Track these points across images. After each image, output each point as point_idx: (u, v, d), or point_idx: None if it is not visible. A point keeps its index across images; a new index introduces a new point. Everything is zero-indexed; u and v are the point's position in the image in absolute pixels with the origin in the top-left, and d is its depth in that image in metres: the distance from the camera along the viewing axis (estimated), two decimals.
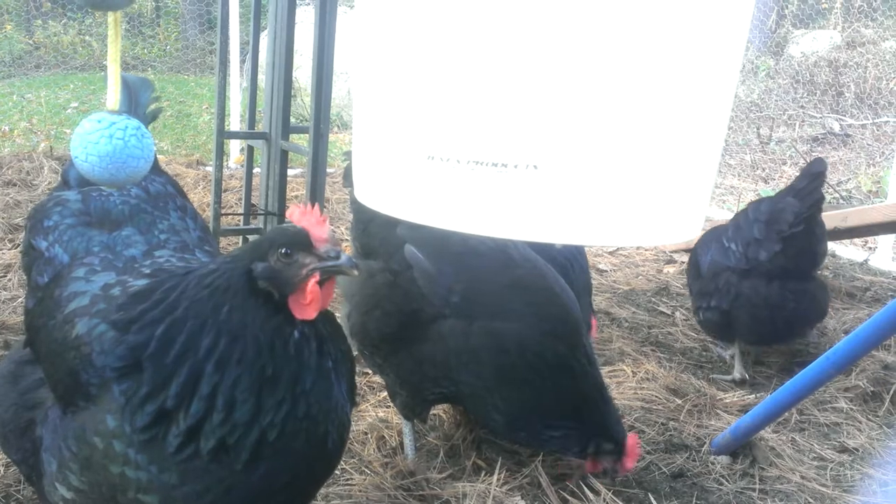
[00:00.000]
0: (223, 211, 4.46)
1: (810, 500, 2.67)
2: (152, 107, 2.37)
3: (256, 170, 4.91)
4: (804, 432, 3.14)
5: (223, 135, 4.33)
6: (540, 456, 2.70)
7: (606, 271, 5.12)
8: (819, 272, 3.95)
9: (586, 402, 2.47)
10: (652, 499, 2.59)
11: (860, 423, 3.21)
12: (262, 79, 4.54)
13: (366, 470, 2.61)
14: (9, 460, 2.29)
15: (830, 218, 4.39)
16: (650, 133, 1.04)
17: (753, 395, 3.38)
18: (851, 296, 4.79)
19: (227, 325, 1.56)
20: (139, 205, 2.03)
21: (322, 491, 2.43)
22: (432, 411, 2.81)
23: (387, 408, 2.98)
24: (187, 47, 14.77)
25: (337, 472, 2.56)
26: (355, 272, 1.62)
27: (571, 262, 3.15)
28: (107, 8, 1.57)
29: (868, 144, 9.36)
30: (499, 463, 2.63)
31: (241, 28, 7.79)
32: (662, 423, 3.08)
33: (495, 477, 2.55)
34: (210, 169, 5.86)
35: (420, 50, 1.06)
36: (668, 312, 4.45)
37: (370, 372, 3.13)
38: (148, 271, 1.77)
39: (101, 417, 1.56)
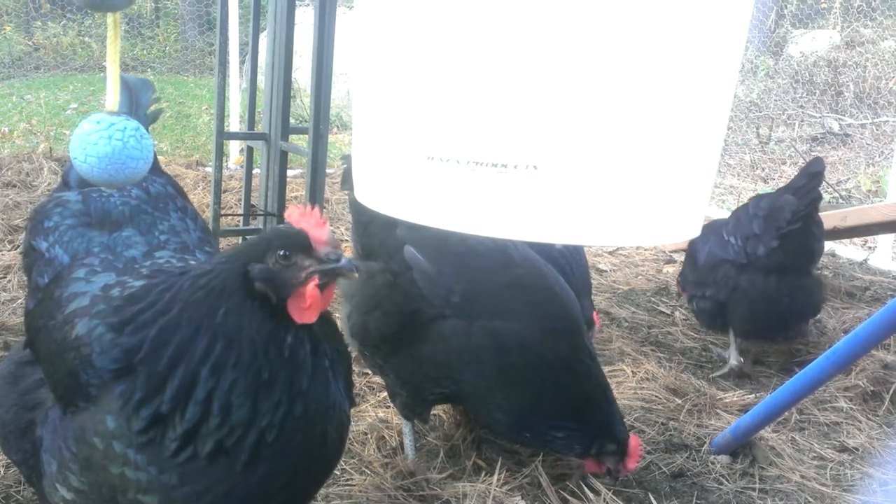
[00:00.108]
0: (223, 212, 4.47)
1: (810, 499, 2.67)
2: (153, 108, 2.37)
3: (256, 170, 4.92)
4: (804, 432, 3.14)
5: (223, 136, 4.34)
6: (540, 456, 2.70)
7: (606, 271, 5.12)
8: (818, 270, 3.98)
9: (589, 402, 2.47)
10: (652, 498, 2.59)
11: (860, 422, 3.21)
12: (262, 80, 4.55)
13: (366, 470, 2.61)
14: (9, 461, 2.29)
15: (830, 217, 4.41)
16: (650, 133, 1.04)
17: (753, 395, 3.38)
18: (851, 295, 4.79)
19: (223, 328, 1.54)
20: (139, 206, 2.03)
21: (322, 491, 2.43)
22: (432, 411, 2.81)
23: (387, 408, 2.98)
24: (187, 48, 14.77)
25: (337, 472, 2.56)
26: (355, 275, 1.60)
27: (570, 262, 3.16)
28: (106, 9, 1.57)
29: (867, 144, 9.36)
30: (499, 463, 2.63)
31: (241, 29, 7.79)
32: (662, 423, 3.08)
33: (495, 477, 2.55)
34: (209, 170, 5.86)
35: (420, 51, 1.06)
36: (668, 312, 4.45)
37: (370, 372, 3.13)
38: (147, 272, 1.77)
39: (101, 418, 1.56)
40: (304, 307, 1.58)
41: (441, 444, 2.81)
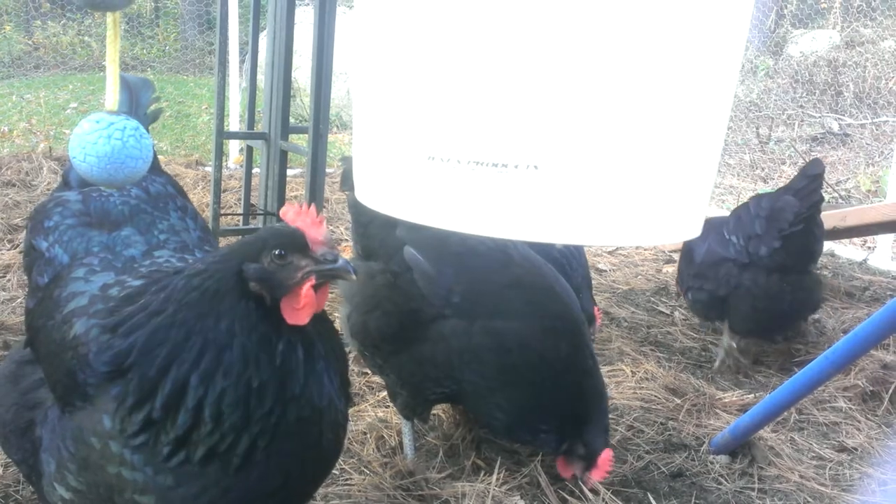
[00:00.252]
0: (222, 211, 4.47)
1: (809, 499, 2.67)
2: (153, 107, 2.36)
3: (256, 170, 4.92)
4: (803, 432, 3.14)
5: (222, 135, 4.34)
6: (539, 456, 2.70)
7: (606, 271, 5.12)
8: (817, 270, 4.00)
9: (582, 403, 2.47)
10: (651, 498, 2.59)
11: (859, 422, 3.21)
12: (262, 79, 4.55)
13: (365, 470, 2.61)
14: (8, 460, 2.29)
15: (829, 217, 4.41)
16: (650, 133, 1.04)
17: (752, 395, 3.38)
18: (850, 295, 4.80)
19: (214, 333, 1.52)
20: (139, 205, 2.03)
21: (321, 491, 2.43)
22: (432, 411, 2.81)
23: (386, 408, 2.98)
24: (186, 48, 14.76)
25: (336, 471, 2.56)
26: (353, 277, 1.57)
27: (568, 258, 3.17)
28: (106, 8, 1.57)
29: (867, 144, 9.36)
30: (498, 463, 2.63)
31: (241, 28, 7.79)
32: (661, 423, 3.09)
33: (494, 477, 2.55)
34: (209, 169, 5.86)
35: (420, 50, 1.06)
36: (668, 312, 4.46)
37: (369, 372, 3.14)
38: (145, 271, 1.77)
39: (98, 418, 1.55)
40: (298, 308, 1.56)
41: (440, 444, 2.81)
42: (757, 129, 9.72)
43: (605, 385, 2.63)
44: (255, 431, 1.51)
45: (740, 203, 4.30)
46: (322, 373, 1.62)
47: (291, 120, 4.51)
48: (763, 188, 7.62)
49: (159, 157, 2.28)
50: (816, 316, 4.28)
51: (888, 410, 3.31)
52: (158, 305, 1.58)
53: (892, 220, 4.37)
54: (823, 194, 3.66)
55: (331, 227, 5.23)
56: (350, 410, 2.89)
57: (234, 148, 7.44)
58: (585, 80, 1.00)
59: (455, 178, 1.06)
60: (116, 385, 1.54)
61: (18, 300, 3.70)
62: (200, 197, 5.79)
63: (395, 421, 2.86)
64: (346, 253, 3.10)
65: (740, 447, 2.89)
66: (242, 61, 8.71)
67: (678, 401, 3.24)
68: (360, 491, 2.48)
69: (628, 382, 3.37)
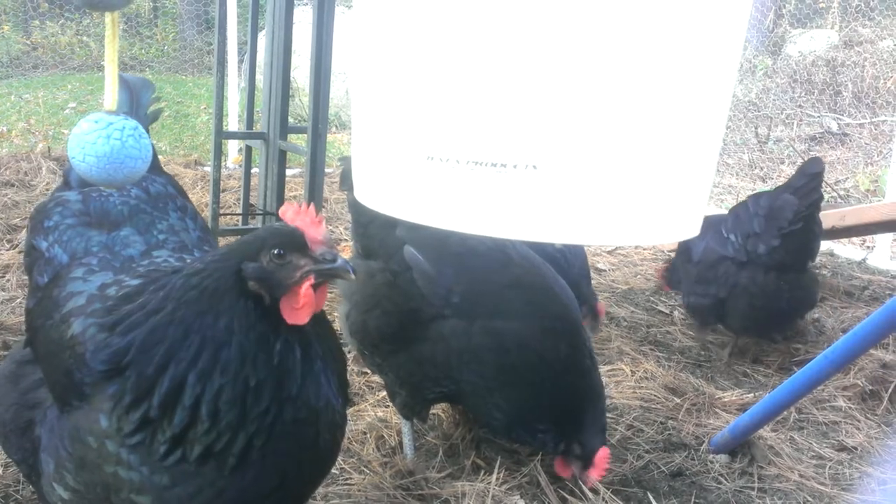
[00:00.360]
0: (221, 211, 4.47)
1: (809, 498, 2.67)
2: (153, 107, 2.36)
3: (255, 170, 4.92)
4: (803, 431, 3.14)
5: (221, 135, 4.34)
6: (539, 455, 2.70)
7: (605, 270, 5.13)
8: (816, 269, 4.01)
9: (578, 403, 2.47)
10: (651, 497, 2.59)
11: (859, 421, 3.21)
12: (260, 79, 4.56)
13: (365, 469, 2.61)
14: (8, 460, 2.29)
15: (828, 217, 4.42)
16: (648, 133, 1.04)
17: (752, 394, 3.38)
18: (849, 294, 4.80)
19: (212, 332, 1.52)
20: (138, 205, 2.03)
21: (321, 490, 2.43)
22: (431, 411, 2.81)
23: (386, 407, 2.98)
24: (185, 47, 14.75)
25: (336, 471, 2.56)
26: (352, 276, 1.57)
27: (564, 253, 3.18)
28: (104, 8, 1.56)
29: (866, 143, 9.37)
30: (498, 462, 2.63)
31: (239, 28, 7.78)
32: (661, 422, 3.09)
33: (494, 476, 2.55)
34: (208, 169, 5.86)
35: (419, 50, 1.06)
36: (667, 311, 4.46)
37: (369, 371, 3.13)
38: (143, 271, 1.76)
39: (95, 417, 1.55)
40: (297, 307, 1.55)
41: (440, 444, 2.81)
42: (756, 128, 9.73)
43: (604, 385, 2.63)
44: (251, 430, 1.51)
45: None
46: (319, 373, 1.62)
47: (290, 120, 4.51)
48: (762, 187, 7.63)
49: (158, 157, 2.28)
50: (816, 315, 4.29)
51: (887, 409, 3.31)
52: (157, 304, 1.57)
53: (890, 219, 4.38)
54: (823, 193, 3.67)
55: (330, 227, 5.22)
56: (350, 410, 2.90)
57: (232, 148, 7.43)
58: (584, 81, 1.00)
59: (454, 178, 1.06)
60: (113, 384, 1.54)
61: (18, 300, 3.70)
62: (199, 197, 5.79)
63: (394, 420, 2.86)
64: (346, 252, 3.10)
65: (740, 446, 2.89)
66: (241, 61, 8.71)
67: (678, 400, 3.24)
68: (359, 490, 2.48)
69: (628, 382, 3.38)
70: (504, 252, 2.53)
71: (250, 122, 4.74)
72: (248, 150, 4.73)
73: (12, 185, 5.78)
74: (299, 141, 4.85)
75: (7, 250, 4.44)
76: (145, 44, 15.14)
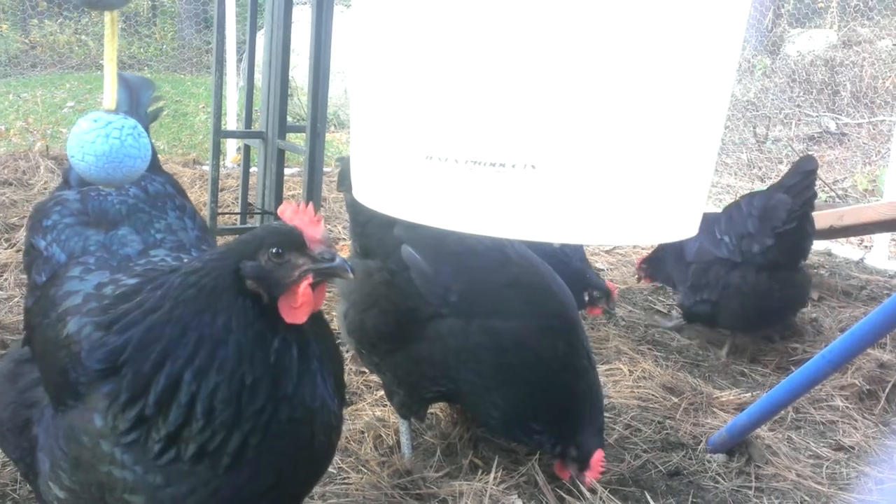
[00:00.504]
0: (220, 210, 4.47)
1: (806, 497, 2.68)
2: (153, 107, 2.36)
3: (253, 169, 4.91)
4: (800, 430, 3.15)
5: (220, 134, 4.33)
6: (537, 454, 2.70)
7: (603, 270, 5.13)
8: (814, 269, 4.03)
9: (575, 403, 2.48)
10: (648, 497, 2.59)
11: (856, 421, 3.22)
12: (259, 78, 4.55)
13: (363, 469, 2.61)
14: (6, 459, 2.29)
15: (826, 216, 4.42)
16: (647, 132, 1.04)
17: (749, 394, 3.39)
18: (847, 294, 4.81)
19: (210, 329, 1.52)
20: (136, 204, 2.03)
21: (319, 489, 2.43)
22: (429, 410, 2.81)
23: (383, 407, 2.98)
24: (184, 46, 14.74)
25: (333, 470, 2.56)
26: (350, 276, 1.57)
27: (563, 247, 3.19)
28: (103, 7, 1.56)
29: (864, 143, 9.38)
30: (495, 461, 2.63)
31: (238, 27, 7.78)
32: (659, 422, 3.09)
33: (492, 475, 2.55)
34: (206, 168, 5.86)
35: (418, 50, 1.06)
36: (665, 311, 4.46)
37: (366, 371, 3.14)
38: (140, 270, 1.76)
39: (89, 416, 1.55)
40: (296, 306, 1.55)
41: (438, 443, 2.81)
42: (754, 128, 9.73)
43: (601, 385, 2.63)
44: (246, 429, 1.51)
45: None
46: (316, 373, 1.61)
47: (289, 119, 4.51)
48: (760, 187, 7.64)
49: (157, 155, 2.27)
50: (814, 315, 4.30)
51: (885, 409, 3.32)
52: (154, 303, 1.57)
53: (889, 219, 4.38)
54: (816, 190, 3.70)
55: (328, 226, 5.22)
56: (347, 409, 2.90)
57: (231, 147, 7.43)
58: (583, 80, 1.00)
59: (453, 178, 1.06)
60: (108, 383, 1.53)
61: (16, 299, 3.69)
62: (198, 196, 5.78)
63: (392, 420, 2.86)
64: (344, 251, 3.10)
65: (737, 446, 2.89)
66: (240, 60, 8.71)
67: (675, 399, 3.25)
68: (357, 490, 2.48)
69: (626, 381, 3.38)
70: (502, 251, 2.53)
71: (249, 121, 4.73)
72: (247, 149, 4.73)
73: (10, 184, 5.77)
74: (298, 140, 4.84)
75: (5, 249, 4.43)
76: (144, 43, 15.12)
